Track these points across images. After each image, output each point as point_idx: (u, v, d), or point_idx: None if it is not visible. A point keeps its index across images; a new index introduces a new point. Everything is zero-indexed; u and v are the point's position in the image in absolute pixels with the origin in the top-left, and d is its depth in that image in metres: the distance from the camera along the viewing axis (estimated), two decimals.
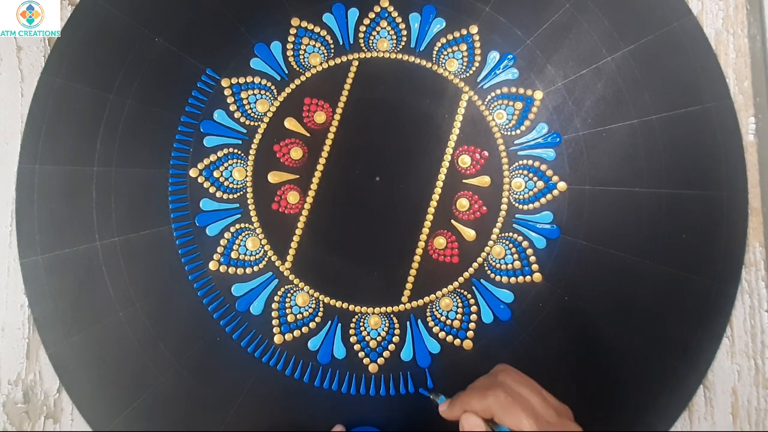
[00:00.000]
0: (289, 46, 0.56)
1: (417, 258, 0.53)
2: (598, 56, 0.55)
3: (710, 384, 0.52)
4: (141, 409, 0.51)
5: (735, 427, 0.52)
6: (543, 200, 0.54)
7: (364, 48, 0.56)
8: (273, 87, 0.55)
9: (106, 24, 0.55)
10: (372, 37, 0.56)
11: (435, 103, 0.55)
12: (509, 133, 0.55)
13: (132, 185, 0.53)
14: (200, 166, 0.54)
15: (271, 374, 0.52)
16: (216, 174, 0.54)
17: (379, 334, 0.53)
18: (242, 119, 0.55)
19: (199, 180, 0.54)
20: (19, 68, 0.55)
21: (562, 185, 0.54)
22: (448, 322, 0.53)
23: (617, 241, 0.52)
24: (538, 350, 0.52)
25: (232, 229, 0.54)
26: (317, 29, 0.56)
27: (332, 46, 0.56)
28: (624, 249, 0.52)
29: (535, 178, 0.54)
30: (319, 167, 0.54)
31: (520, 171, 0.54)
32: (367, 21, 0.56)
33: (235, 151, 0.55)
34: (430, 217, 0.54)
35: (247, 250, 0.54)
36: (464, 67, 0.56)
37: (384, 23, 0.56)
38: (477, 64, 0.56)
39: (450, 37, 0.56)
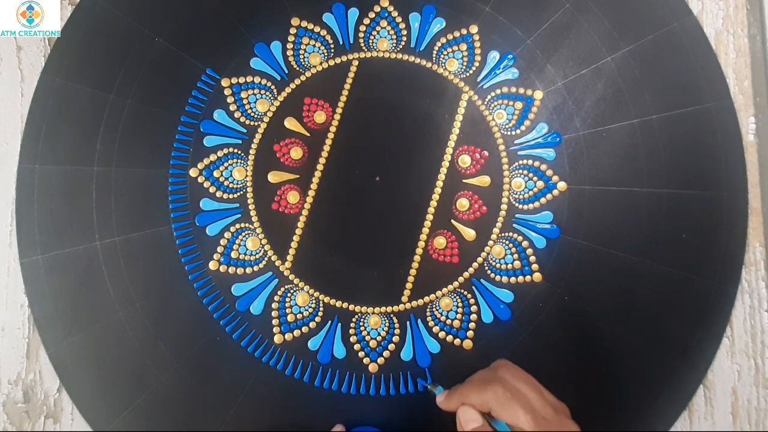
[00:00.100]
0: (289, 45, 0.56)
1: (417, 258, 0.53)
2: (598, 56, 0.55)
3: (710, 384, 0.52)
4: (141, 409, 0.51)
5: (735, 427, 0.52)
6: (543, 200, 0.54)
7: (364, 48, 0.56)
8: (273, 87, 0.55)
9: (106, 24, 0.55)
10: (372, 37, 0.56)
11: (435, 103, 0.55)
12: (509, 133, 0.55)
13: (132, 185, 0.53)
14: (200, 165, 0.54)
15: (271, 374, 0.52)
16: (216, 174, 0.54)
17: (379, 334, 0.53)
18: (242, 119, 0.55)
19: (199, 180, 0.54)
20: (19, 68, 0.55)
21: (562, 185, 0.54)
22: (448, 321, 0.53)
23: (617, 241, 0.52)
24: (538, 350, 0.52)
25: (232, 229, 0.54)
26: (317, 29, 0.56)
27: (332, 45, 0.56)
28: (624, 249, 0.52)
29: (535, 178, 0.54)
30: (319, 167, 0.54)
31: (520, 171, 0.54)
32: (367, 21, 0.56)
33: (235, 150, 0.55)
34: (430, 216, 0.54)
35: (247, 249, 0.54)
36: (464, 67, 0.56)
37: (384, 23, 0.56)
38: (477, 64, 0.56)
39: (450, 36, 0.56)
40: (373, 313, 0.53)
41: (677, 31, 0.55)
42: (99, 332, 0.51)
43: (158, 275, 0.53)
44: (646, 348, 0.51)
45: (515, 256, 0.53)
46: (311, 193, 0.54)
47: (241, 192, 0.54)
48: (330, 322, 0.53)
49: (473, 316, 0.53)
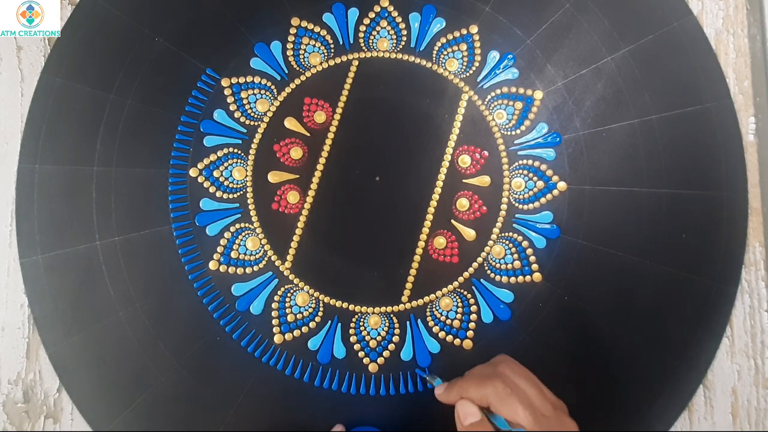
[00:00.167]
0: (289, 45, 0.56)
1: (417, 258, 0.53)
2: (598, 56, 0.55)
3: (710, 384, 0.52)
4: (141, 409, 0.51)
5: (735, 427, 0.52)
6: (543, 200, 0.54)
7: (364, 48, 0.56)
8: (273, 87, 0.55)
9: (106, 24, 0.55)
10: (372, 37, 0.56)
11: (435, 103, 0.55)
12: (509, 133, 0.55)
13: (132, 185, 0.53)
14: (200, 165, 0.54)
15: (271, 374, 0.52)
16: (216, 174, 0.54)
17: (379, 334, 0.53)
18: (242, 119, 0.55)
19: (199, 180, 0.54)
20: (19, 68, 0.55)
21: (562, 185, 0.54)
22: (448, 321, 0.53)
23: (617, 241, 0.52)
24: (537, 350, 0.52)
25: (232, 229, 0.54)
26: (317, 29, 0.56)
27: (332, 45, 0.56)
28: (624, 249, 0.52)
29: (535, 178, 0.54)
30: (319, 167, 0.54)
31: (520, 171, 0.54)
32: (367, 21, 0.56)
33: (235, 150, 0.55)
34: (430, 216, 0.54)
35: (247, 249, 0.54)
36: (464, 67, 0.56)
37: (384, 23, 0.56)
38: (477, 64, 0.56)
39: (450, 36, 0.56)
40: (373, 313, 0.53)
41: (677, 31, 0.55)
42: (99, 332, 0.51)
43: (158, 275, 0.53)
44: (646, 348, 0.51)
45: (515, 256, 0.53)
46: (311, 193, 0.54)
47: (241, 192, 0.54)
48: (330, 322, 0.53)
49: (473, 316, 0.53)
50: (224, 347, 0.52)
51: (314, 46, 0.56)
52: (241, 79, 0.55)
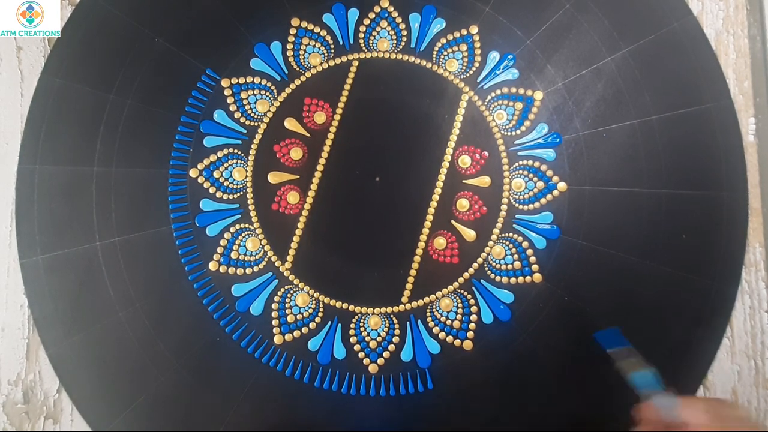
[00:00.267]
0: (289, 46, 0.56)
1: (417, 258, 0.53)
2: (598, 56, 0.55)
3: (710, 384, 0.52)
4: (141, 409, 0.51)
5: None
6: (543, 200, 0.54)
7: (364, 48, 0.56)
8: (273, 87, 0.55)
9: (106, 24, 0.55)
10: (372, 38, 0.56)
11: (435, 103, 0.55)
12: (509, 134, 0.55)
13: (132, 185, 0.53)
14: (200, 166, 0.54)
15: (271, 375, 0.52)
16: (216, 174, 0.54)
17: (379, 335, 0.53)
18: (242, 119, 0.55)
19: (199, 180, 0.54)
20: (19, 68, 0.55)
21: (562, 185, 0.54)
22: (448, 322, 0.53)
23: (617, 242, 0.52)
24: (538, 350, 0.52)
25: (232, 230, 0.54)
26: (317, 29, 0.56)
27: (332, 46, 0.56)
28: (624, 249, 0.52)
29: (535, 179, 0.54)
30: (319, 167, 0.54)
31: (521, 171, 0.54)
32: (367, 21, 0.56)
33: (235, 151, 0.55)
34: (430, 217, 0.54)
35: (247, 250, 0.54)
36: (464, 68, 0.56)
37: (384, 23, 0.56)
38: (477, 65, 0.56)
39: (450, 37, 0.56)
40: (373, 313, 0.53)
41: (677, 32, 0.55)
42: (99, 332, 0.51)
43: (158, 276, 0.53)
44: (646, 348, 0.51)
45: (515, 256, 0.53)
46: (311, 193, 0.54)
47: (241, 192, 0.54)
48: (330, 322, 0.53)
49: (473, 317, 0.53)
50: (224, 348, 0.52)
51: (314, 46, 0.56)
52: (241, 80, 0.55)
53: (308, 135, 0.55)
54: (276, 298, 0.53)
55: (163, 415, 0.51)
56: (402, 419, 0.51)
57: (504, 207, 0.54)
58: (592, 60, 0.55)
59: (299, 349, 0.52)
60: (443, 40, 0.56)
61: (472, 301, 0.53)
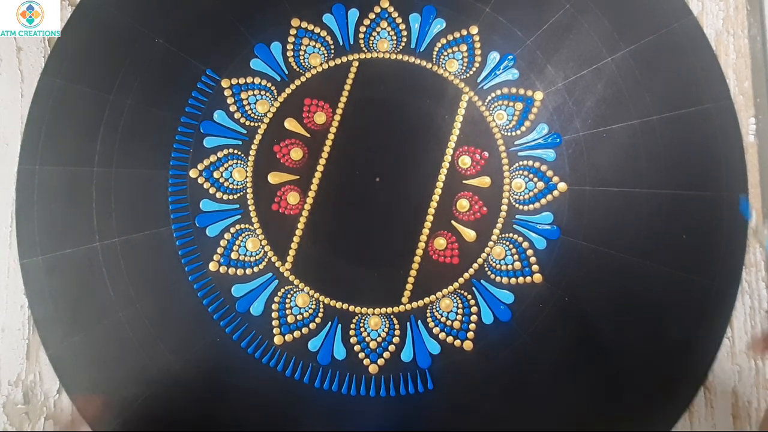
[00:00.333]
0: (289, 46, 0.56)
1: (417, 259, 0.53)
2: (598, 57, 0.55)
3: (710, 385, 0.52)
4: (141, 409, 0.51)
5: (736, 428, 0.52)
6: (543, 201, 0.54)
7: (364, 48, 0.56)
8: (273, 87, 0.55)
9: (106, 24, 0.55)
10: (372, 38, 0.56)
11: (435, 103, 0.55)
12: (509, 134, 0.55)
13: (132, 186, 0.53)
14: (200, 166, 0.54)
15: (271, 375, 0.52)
16: (216, 175, 0.54)
17: (379, 335, 0.53)
18: (242, 120, 0.55)
19: (199, 181, 0.54)
20: (19, 69, 0.55)
21: (562, 186, 0.54)
22: (449, 323, 0.53)
23: (618, 242, 0.52)
24: (538, 351, 0.52)
25: (232, 230, 0.54)
26: (317, 30, 0.56)
27: (332, 46, 0.56)
28: (624, 250, 0.52)
29: (536, 179, 0.54)
30: (320, 168, 0.54)
31: (521, 172, 0.54)
32: (367, 21, 0.56)
33: (235, 151, 0.55)
34: (430, 217, 0.54)
35: (247, 250, 0.54)
36: (464, 68, 0.56)
37: (384, 24, 0.56)
38: (477, 65, 0.56)
39: (450, 37, 0.56)
40: (374, 314, 0.53)
41: (677, 32, 0.55)
42: (99, 333, 0.51)
43: (158, 276, 0.53)
44: (646, 348, 0.51)
45: (515, 257, 0.53)
46: (311, 194, 0.54)
47: (241, 193, 0.54)
48: (330, 323, 0.53)
49: (473, 317, 0.53)
50: (224, 348, 0.52)
51: (314, 46, 0.56)
52: (241, 80, 0.55)
53: (308, 135, 0.55)
54: (276, 299, 0.53)
55: (163, 415, 0.51)
56: (402, 419, 0.51)
57: (504, 207, 0.54)
58: (593, 60, 0.55)
59: (299, 349, 0.52)
60: (443, 41, 0.56)
61: (472, 302, 0.53)
